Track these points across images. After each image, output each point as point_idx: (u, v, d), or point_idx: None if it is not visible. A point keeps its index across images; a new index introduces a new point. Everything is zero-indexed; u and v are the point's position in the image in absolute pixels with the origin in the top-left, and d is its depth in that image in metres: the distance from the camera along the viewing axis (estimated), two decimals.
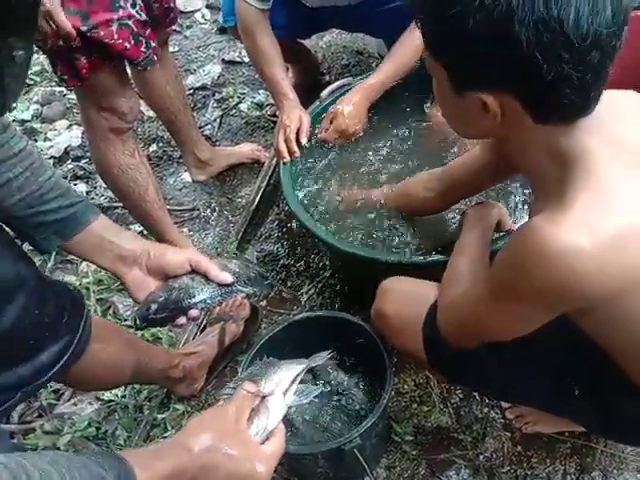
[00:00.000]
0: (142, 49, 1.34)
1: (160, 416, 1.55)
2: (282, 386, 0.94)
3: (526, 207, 1.46)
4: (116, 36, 1.27)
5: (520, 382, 1.07)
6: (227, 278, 1.01)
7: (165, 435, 1.52)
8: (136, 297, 1.01)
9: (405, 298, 1.19)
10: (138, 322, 0.99)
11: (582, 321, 0.89)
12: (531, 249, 0.75)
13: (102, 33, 1.24)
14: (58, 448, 1.51)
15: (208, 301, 1.00)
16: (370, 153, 1.69)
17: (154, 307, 0.97)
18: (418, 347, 1.12)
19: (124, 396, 1.60)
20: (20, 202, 0.93)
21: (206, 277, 1.01)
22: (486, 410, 1.47)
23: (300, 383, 0.98)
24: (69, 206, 0.97)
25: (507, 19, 0.68)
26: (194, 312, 1.00)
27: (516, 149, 0.88)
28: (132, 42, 1.31)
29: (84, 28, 1.21)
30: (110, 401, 1.59)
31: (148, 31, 1.36)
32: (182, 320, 1.00)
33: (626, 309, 0.80)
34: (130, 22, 1.29)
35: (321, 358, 1.14)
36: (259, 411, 0.88)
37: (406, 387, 1.53)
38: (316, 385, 1.10)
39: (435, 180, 1.33)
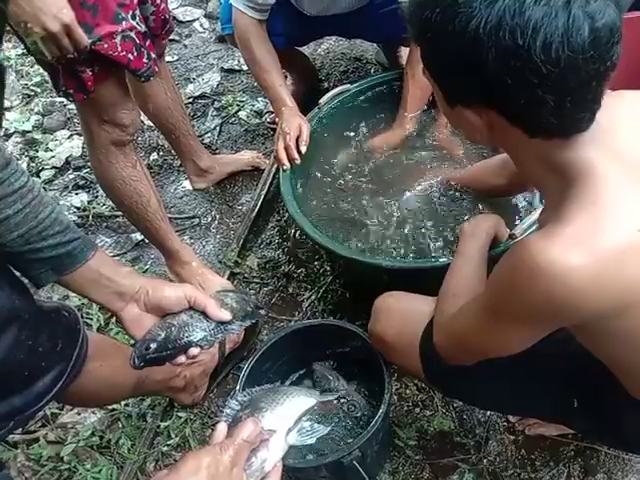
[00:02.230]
0: (144, 60, 1.34)
1: (163, 424, 1.56)
2: (286, 424, 0.92)
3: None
4: (120, 48, 1.27)
5: (514, 396, 1.06)
6: (225, 317, 1.00)
7: (169, 443, 1.52)
8: (133, 334, 0.99)
9: (401, 316, 1.17)
10: (136, 362, 0.96)
11: (582, 337, 0.88)
12: (522, 264, 0.74)
13: (106, 45, 1.25)
14: (62, 458, 1.52)
15: (208, 338, 1.00)
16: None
17: (154, 346, 0.95)
18: (416, 364, 1.12)
19: (127, 404, 1.60)
20: (18, 238, 0.91)
21: (204, 314, 1.00)
22: (489, 413, 1.47)
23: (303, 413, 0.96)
24: (67, 242, 0.95)
25: (475, 46, 0.68)
26: (194, 350, 0.98)
27: (516, 160, 0.87)
28: (135, 54, 1.31)
29: (88, 41, 1.21)
30: (113, 410, 1.59)
31: (148, 42, 1.37)
32: (182, 359, 0.98)
33: (629, 326, 0.78)
34: (132, 34, 1.30)
35: (331, 395, 1.12)
36: (258, 450, 0.86)
37: (408, 392, 1.53)
38: (323, 423, 1.05)
39: (508, 165, 1.26)
